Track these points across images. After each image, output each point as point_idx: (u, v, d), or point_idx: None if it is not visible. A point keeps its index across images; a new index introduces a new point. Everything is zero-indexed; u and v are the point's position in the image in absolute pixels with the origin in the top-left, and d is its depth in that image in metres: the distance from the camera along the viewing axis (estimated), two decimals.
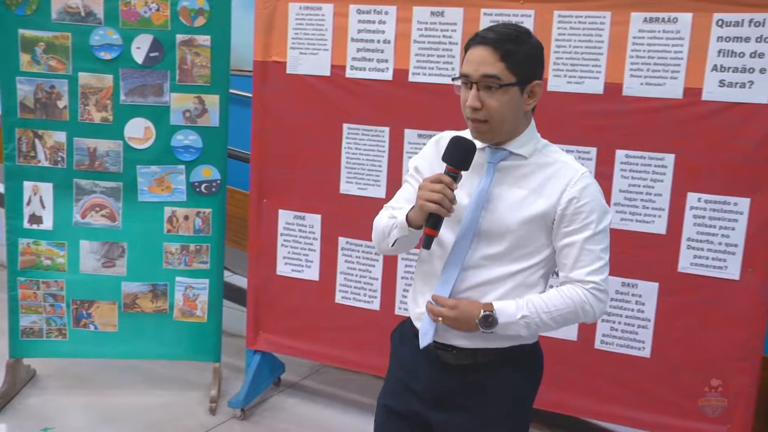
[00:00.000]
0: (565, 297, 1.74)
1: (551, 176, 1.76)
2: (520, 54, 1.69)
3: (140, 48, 3.25)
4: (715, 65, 2.62)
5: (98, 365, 3.66)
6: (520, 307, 1.73)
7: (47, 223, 3.37)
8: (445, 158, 1.73)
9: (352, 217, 3.18)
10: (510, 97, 1.70)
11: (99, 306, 3.44)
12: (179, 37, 3.26)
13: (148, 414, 3.34)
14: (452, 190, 1.69)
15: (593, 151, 2.81)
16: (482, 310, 1.72)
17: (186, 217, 3.42)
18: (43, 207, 3.36)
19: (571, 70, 2.80)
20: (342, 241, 3.23)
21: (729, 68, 2.60)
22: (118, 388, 3.57)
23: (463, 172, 1.73)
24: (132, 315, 3.46)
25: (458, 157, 1.72)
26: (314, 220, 3.26)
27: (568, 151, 2.80)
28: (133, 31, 3.24)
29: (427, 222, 1.71)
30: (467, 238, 1.76)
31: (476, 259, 1.77)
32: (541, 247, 1.77)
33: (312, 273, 3.30)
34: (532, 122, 1.81)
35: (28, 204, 3.35)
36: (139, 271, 3.44)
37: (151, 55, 3.26)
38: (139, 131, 3.33)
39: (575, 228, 1.73)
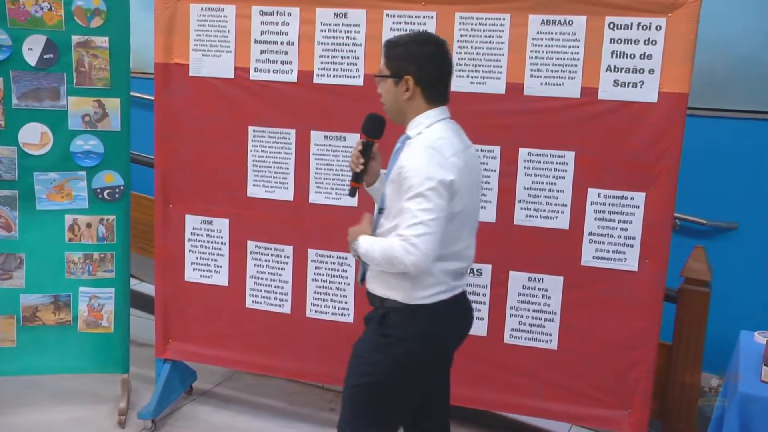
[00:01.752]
0: (388, 242, 2.07)
1: (408, 150, 2.12)
2: (394, 53, 2.15)
3: (32, 49, 3.13)
4: (609, 66, 2.72)
5: None
6: (368, 241, 2.14)
7: None
8: (361, 129, 2.26)
9: (260, 221, 3.16)
10: (388, 87, 2.17)
11: None
12: (75, 38, 3.15)
13: (54, 430, 3.23)
14: (360, 151, 2.24)
15: (497, 149, 2.87)
16: (353, 238, 2.20)
17: (89, 225, 3.32)
18: None
19: (474, 70, 2.86)
20: (251, 244, 3.19)
21: (622, 69, 2.71)
22: (19, 407, 3.42)
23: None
24: (32, 329, 3.33)
25: (368, 127, 2.25)
26: (222, 224, 3.22)
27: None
28: (24, 32, 3.11)
29: (351, 177, 2.30)
30: (379, 203, 2.22)
31: (380, 219, 2.21)
32: (400, 210, 2.08)
33: (221, 278, 3.26)
34: (428, 111, 2.15)
35: None
36: (39, 283, 3.32)
37: (45, 56, 3.15)
38: (34, 137, 3.21)
39: (403, 191, 2.04)
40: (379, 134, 2.24)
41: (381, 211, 2.21)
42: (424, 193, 2.00)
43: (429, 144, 2.07)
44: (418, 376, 2.20)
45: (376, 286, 2.21)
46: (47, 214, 3.28)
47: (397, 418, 2.29)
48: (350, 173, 2.32)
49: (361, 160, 2.25)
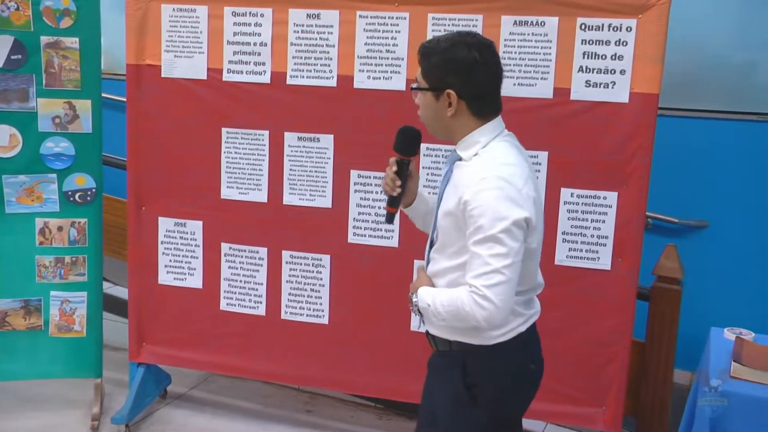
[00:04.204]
0: (455, 294, 1.79)
1: (466, 176, 1.82)
2: (432, 62, 1.84)
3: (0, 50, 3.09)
4: (581, 66, 2.74)
5: None
6: (430, 294, 1.86)
7: None
8: (393, 146, 1.97)
9: (234, 223, 3.15)
10: (427, 101, 1.87)
11: None
12: (44, 39, 3.12)
13: None
14: (395, 173, 1.96)
15: None
16: (413, 293, 1.92)
17: (60, 228, 3.29)
18: None
19: None
20: (225, 246, 3.18)
21: (593, 69, 2.73)
22: None
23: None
24: (1, 334, 3.31)
25: (402, 145, 1.97)
26: (195, 226, 3.20)
27: (446, 151, 2.89)
28: None
29: (387, 201, 2.04)
30: (430, 231, 1.99)
31: (432, 252, 1.96)
32: (464, 248, 1.80)
33: (195, 281, 3.24)
34: (481, 128, 1.86)
35: None
36: (9, 287, 3.29)
37: (13, 57, 3.11)
38: (3, 139, 3.19)
39: (470, 232, 1.76)
40: (415, 151, 1.98)
41: (432, 244, 1.96)
42: (496, 237, 1.71)
43: (497, 174, 1.75)
44: (515, 414, 2.04)
45: (440, 330, 1.93)
46: (17, 217, 3.25)
47: None
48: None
49: (398, 183, 1.97)
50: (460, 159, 1.88)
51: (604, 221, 2.79)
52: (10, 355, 3.31)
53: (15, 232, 3.25)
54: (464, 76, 1.81)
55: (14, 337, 3.31)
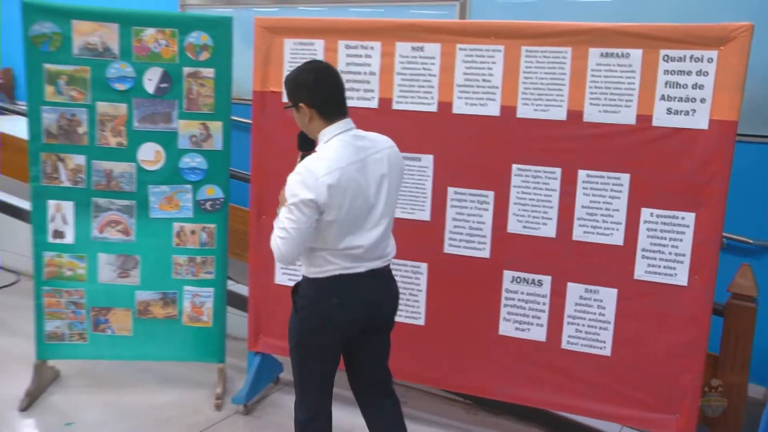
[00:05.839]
0: (276, 231, 2.43)
1: None
2: (289, 87, 2.50)
3: (151, 80, 3.48)
4: (663, 95, 2.86)
5: (115, 366, 3.89)
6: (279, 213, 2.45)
7: (69, 238, 3.59)
8: (297, 145, 2.56)
9: None
10: (294, 115, 2.51)
11: (115, 312, 3.66)
12: (186, 70, 3.49)
13: (160, 410, 3.56)
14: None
15: (558, 171, 3.06)
16: (278, 208, 2.49)
17: (193, 232, 3.64)
18: (65, 223, 3.58)
19: (538, 99, 3.04)
20: None
21: (675, 98, 2.84)
22: (133, 387, 3.79)
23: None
24: (145, 320, 3.68)
25: (301, 144, 2.55)
26: None
27: (535, 173, 3.07)
28: (145, 65, 3.47)
29: None
30: None
31: None
32: None
33: None
34: (328, 128, 2.45)
35: (52, 220, 3.57)
36: (151, 281, 3.66)
37: (161, 85, 3.49)
38: (150, 154, 3.55)
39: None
40: (310, 148, 2.51)
41: None
42: (289, 206, 2.35)
43: (306, 165, 2.37)
44: (319, 337, 2.53)
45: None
46: (158, 221, 3.60)
47: (317, 378, 2.61)
48: None
49: None
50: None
51: (681, 240, 2.88)
52: (151, 339, 3.68)
53: (157, 234, 3.61)
54: (307, 91, 2.43)
55: (155, 323, 3.68)
